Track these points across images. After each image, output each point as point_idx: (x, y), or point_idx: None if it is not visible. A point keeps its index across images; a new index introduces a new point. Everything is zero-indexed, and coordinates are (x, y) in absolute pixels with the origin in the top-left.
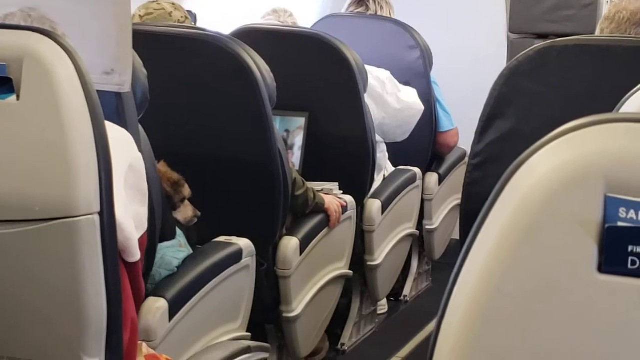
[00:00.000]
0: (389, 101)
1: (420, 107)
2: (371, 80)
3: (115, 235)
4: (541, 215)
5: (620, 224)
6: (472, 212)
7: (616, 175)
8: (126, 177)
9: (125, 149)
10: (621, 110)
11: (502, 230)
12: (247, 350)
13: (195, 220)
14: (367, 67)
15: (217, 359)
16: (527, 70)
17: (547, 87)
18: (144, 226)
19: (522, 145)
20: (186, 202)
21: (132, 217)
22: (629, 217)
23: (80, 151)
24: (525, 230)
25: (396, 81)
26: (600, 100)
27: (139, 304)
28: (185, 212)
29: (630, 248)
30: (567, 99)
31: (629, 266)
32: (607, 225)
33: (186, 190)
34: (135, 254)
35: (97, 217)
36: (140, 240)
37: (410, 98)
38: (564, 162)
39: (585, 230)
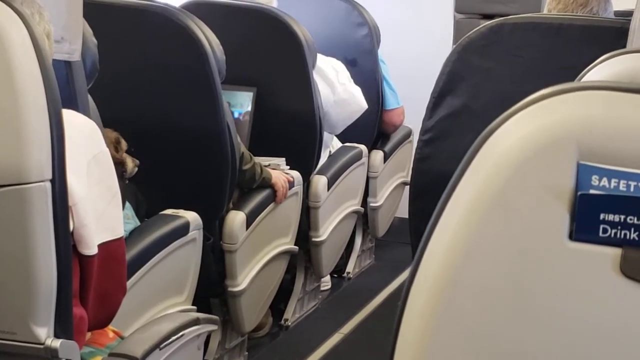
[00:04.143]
0: (339, 90)
1: (364, 104)
2: (325, 67)
3: (67, 203)
4: (513, 181)
5: (592, 191)
6: (422, 187)
7: (589, 143)
8: (89, 168)
9: (90, 137)
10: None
11: (472, 197)
12: (196, 322)
13: (136, 169)
14: (326, 57)
15: (166, 330)
16: (479, 47)
17: (499, 63)
18: (118, 231)
19: (473, 122)
20: (124, 154)
21: (100, 215)
22: (601, 184)
23: (32, 117)
24: (497, 197)
25: (349, 75)
26: (551, 78)
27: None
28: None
29: (602, 216)
30: (518, 75)
31: (600, 234)
32: (579, 193)
33: (123, 144)
34: (91, 246)
35: (48, 185)
36: (115, 245)
37: (357, 92)
38: (536, 129)
39: (557, 198)
